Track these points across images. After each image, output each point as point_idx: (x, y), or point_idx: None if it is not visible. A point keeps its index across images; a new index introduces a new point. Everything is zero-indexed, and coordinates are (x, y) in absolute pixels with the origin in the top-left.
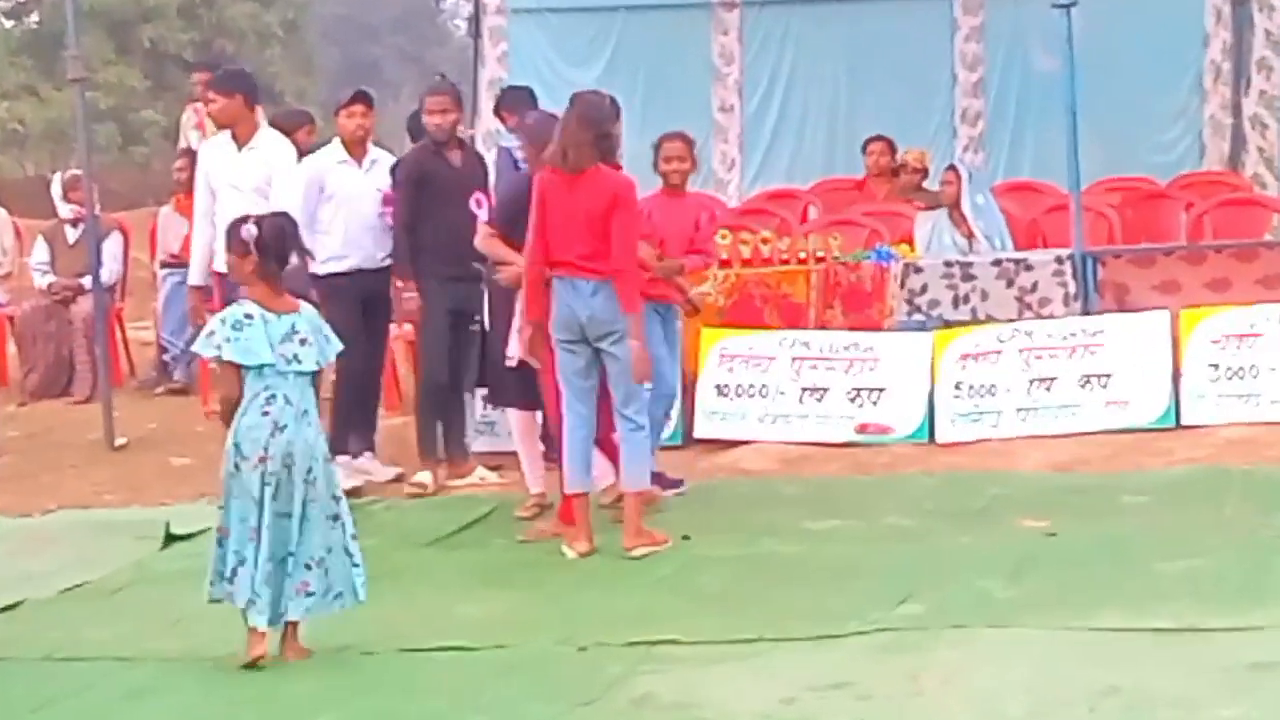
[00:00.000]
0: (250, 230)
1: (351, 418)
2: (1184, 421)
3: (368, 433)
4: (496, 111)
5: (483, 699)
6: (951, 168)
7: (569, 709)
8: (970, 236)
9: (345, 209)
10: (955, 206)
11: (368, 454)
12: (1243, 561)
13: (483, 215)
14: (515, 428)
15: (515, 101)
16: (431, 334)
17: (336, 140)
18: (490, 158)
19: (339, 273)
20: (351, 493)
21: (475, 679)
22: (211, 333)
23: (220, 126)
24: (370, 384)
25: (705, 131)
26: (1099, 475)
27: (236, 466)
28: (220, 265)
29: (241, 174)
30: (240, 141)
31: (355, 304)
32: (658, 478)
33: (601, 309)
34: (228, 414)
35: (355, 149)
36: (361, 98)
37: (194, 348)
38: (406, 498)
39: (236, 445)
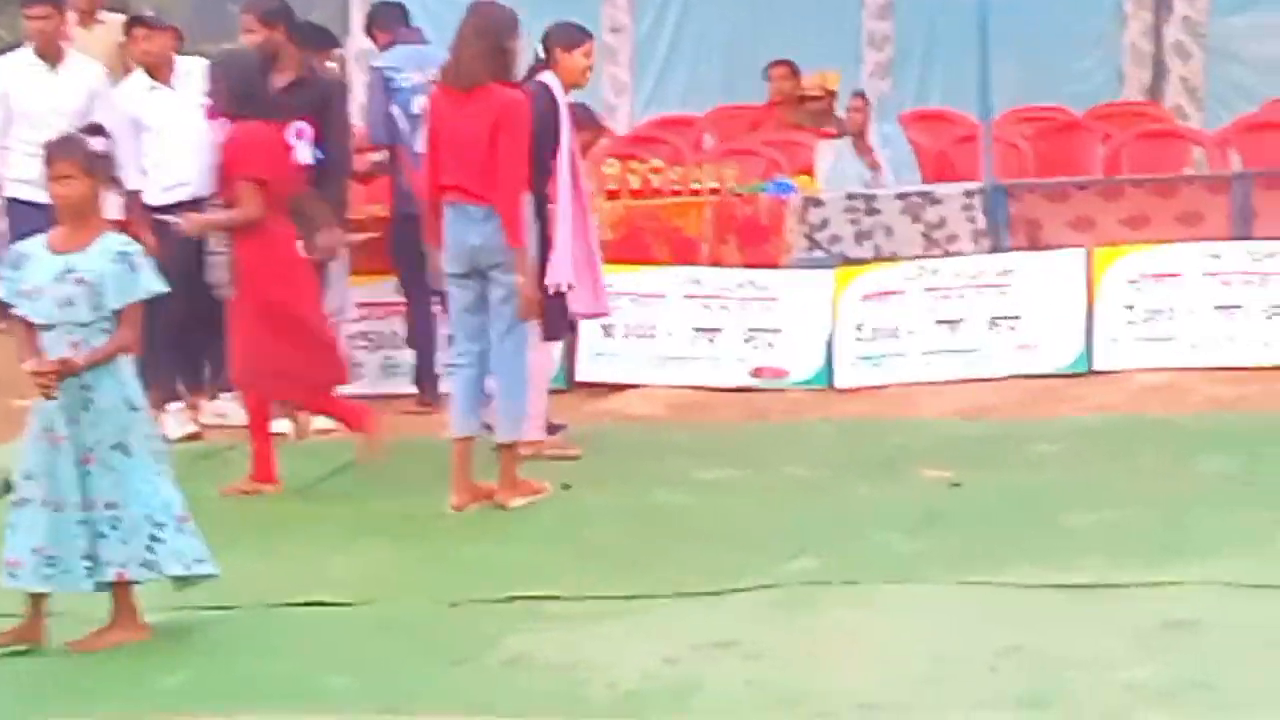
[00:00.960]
0: (107, 143)
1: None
2: (1097, 366)
3: (222, 374)
4: (368, 30)
5: (348, 658)
6: (859, 94)
7: (438, 669)
8: (876, 167)
9: (167, 136)
10: (861, 135)
11: (224, 395)
12: (1158, 515)
13: (303, 147)
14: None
15: (387, 19)
16: None
17: (139, 70)
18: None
19: (181, 202)
20: (189, 438)
21: (341, 637)
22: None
23: (42, 46)
24: (218, 321)
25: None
26: (1007, 423)
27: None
28: (26, 192)
29: (59, 96)
30: (52, 60)
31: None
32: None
33: (493, 237)
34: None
35: (160, 73)
36: (141, 21)
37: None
38: None
39: (129, 400)
